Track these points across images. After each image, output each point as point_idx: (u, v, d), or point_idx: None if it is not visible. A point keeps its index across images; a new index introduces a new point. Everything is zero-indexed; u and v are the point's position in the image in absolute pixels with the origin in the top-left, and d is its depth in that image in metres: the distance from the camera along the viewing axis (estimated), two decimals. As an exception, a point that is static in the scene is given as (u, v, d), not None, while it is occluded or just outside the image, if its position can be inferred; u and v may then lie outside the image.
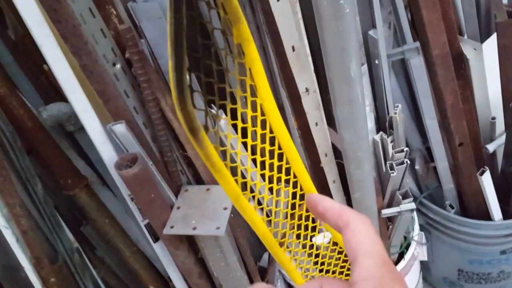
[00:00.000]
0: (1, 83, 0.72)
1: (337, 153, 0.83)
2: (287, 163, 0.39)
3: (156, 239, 0.78)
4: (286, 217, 0.45)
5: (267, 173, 0.39)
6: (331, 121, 0.85)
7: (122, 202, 0.89)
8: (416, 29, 0.83)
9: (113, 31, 0.69)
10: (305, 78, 0.65)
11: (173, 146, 0.77)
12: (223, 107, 0.34)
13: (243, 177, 0.36)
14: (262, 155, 0.39)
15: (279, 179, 0.41)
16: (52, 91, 0.84)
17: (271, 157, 0.38)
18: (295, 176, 0.40)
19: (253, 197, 0.40)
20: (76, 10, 0.62)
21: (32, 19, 0.56)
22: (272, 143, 0.38)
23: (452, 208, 1.10)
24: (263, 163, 0.39)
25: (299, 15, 0.62)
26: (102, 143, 0.66)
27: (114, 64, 0.69)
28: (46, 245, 0.72)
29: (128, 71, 0.71)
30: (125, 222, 0.89)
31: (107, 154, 0.66)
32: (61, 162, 0.78)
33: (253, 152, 0.39)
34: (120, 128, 0.65)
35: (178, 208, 0.74)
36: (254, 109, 0.37)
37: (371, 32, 0.81)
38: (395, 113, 0.78)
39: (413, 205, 0.79)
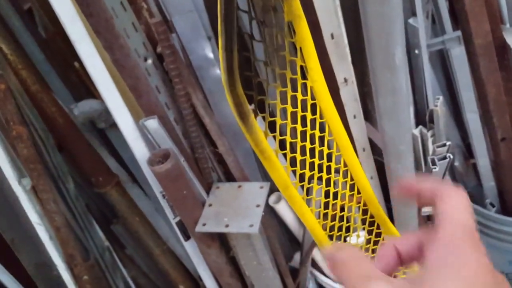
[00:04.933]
0: (33, 81, 0.72)
1: (372, 149, 0.80)
2: (337, 150, 0.37)
3: (187, 237, 0.76)
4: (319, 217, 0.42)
5: (316, 161, 0.36)
6: (365, 115, 0.81)
7: (153, 200, 0.88)
8: (457, 18, 0.79)
9: (144, 25, 0.68)
10: (344, 67, 0.62)
11: (204, 142, 0.76)
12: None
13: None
14: (310, 141, 0.36)
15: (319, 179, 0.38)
16: (83, 89, 0.84)
17: (321, 144, 0.36)
18: (345, 165, 0.38)
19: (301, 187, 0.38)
20: (108, 3, 0.61)
21: (65, 13, 0.56)
22: (321, 129, 0.36)
23: (493, 206, 1.04)
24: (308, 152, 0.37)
25: (337, 1, 0.59)
26: (134, 139, 0.65)
27: (145, 59, 0.68)
28: (78, 243, 0.71)
29: (159, 66, 0.70)
30: (155, 220, 0.88)
31: (139, 150, 0.65)
32: (92, 159, 0.78)
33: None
34: (152, 123, 0.64)
35: (210, 205, 0.72)
36: (303, 92, 0.34)
37: (410, 21, 0.77)
38: (436, 106, 0.75)
39: (455, 203, 0.75)
